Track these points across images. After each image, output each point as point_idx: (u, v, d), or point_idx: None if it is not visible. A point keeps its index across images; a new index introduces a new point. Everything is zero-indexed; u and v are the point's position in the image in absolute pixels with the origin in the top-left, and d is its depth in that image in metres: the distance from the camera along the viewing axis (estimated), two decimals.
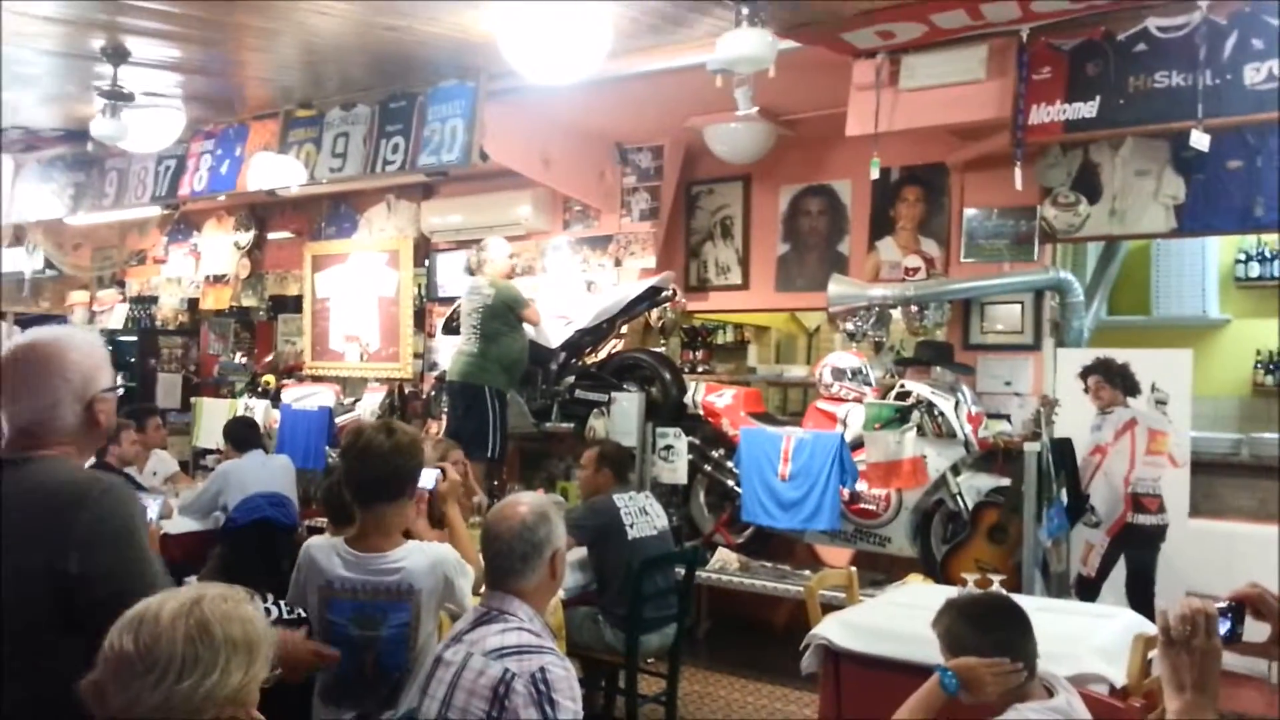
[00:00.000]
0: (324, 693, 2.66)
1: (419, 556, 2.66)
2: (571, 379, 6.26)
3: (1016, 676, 2.28)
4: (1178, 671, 1.56)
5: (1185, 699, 1.54)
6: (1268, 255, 6.30)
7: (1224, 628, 1.61)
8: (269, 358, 8.71)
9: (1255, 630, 1.71)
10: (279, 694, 2.26)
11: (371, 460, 2.66)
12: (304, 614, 2.62)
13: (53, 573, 1.74)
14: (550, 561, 2.35)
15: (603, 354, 6.56)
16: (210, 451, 7.59)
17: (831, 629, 3.40)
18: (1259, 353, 6.37)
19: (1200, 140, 4.18)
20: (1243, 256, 6.39)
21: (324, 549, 2.68)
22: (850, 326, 5.76)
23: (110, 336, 9.19)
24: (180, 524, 5.38)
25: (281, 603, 2.62)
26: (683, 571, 4.61)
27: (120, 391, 2.13)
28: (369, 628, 2.60)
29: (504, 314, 5.91)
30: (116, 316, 9.76)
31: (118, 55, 5.35)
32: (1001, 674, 2.27)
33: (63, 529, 1.76)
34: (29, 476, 1.85)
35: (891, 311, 5.66)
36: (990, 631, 2.34)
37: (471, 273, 6.20)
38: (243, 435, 5.72)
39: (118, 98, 5.62)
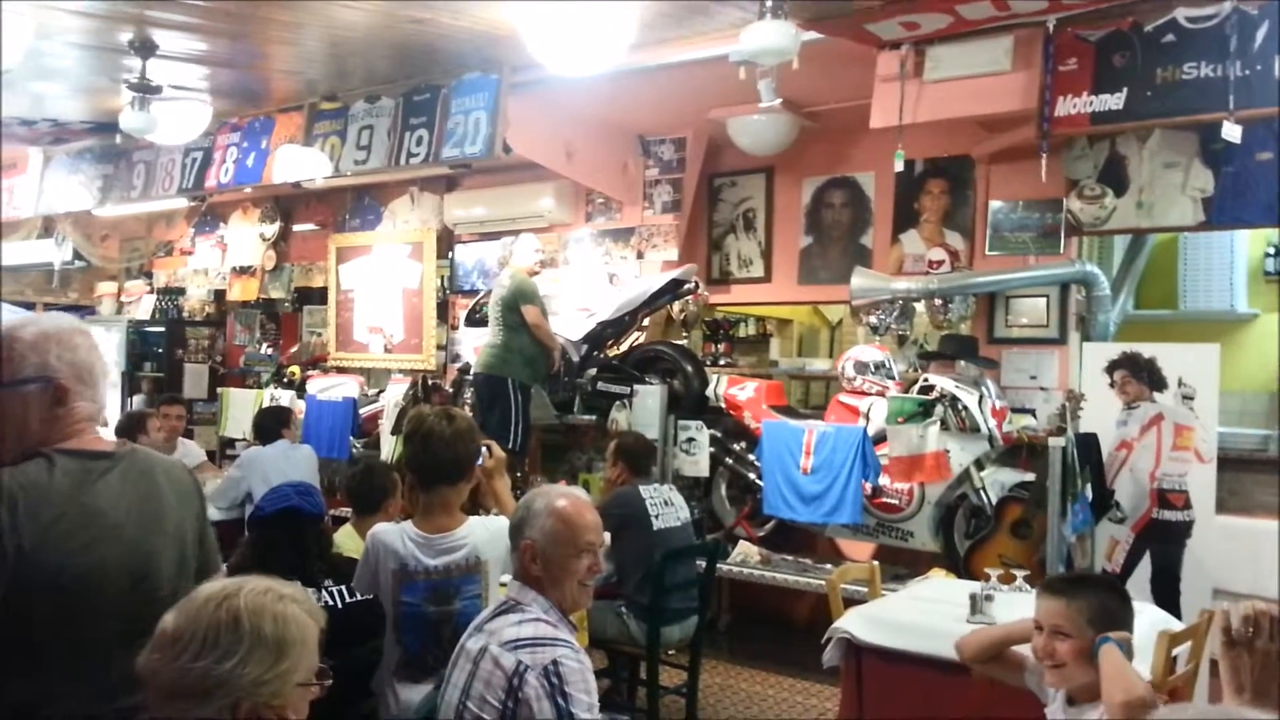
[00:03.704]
0: (401, 670, 2.75)
1: (481, 530, 2.79)
2: (594, 371, 6.27)
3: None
4: (1237, 672, 1.54)
5: (1244, 700, 1.52)
6: None
7: None
8: (294, 349, 8.79)
9: None
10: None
11: (434, 446, 2.79)
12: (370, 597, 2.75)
13: (195, 530, 2.11)
14: (521, 552, 2.30)
15: (625, 346, 6.56)
16: (237, 441, 7.71)
17: (853, 623, 3.39)
18: None
19: (1232, 132, 4.12)
20: (1271, 250, 6.28)
21: (393, 534, 2.79)
22: (873, 320, 5.74)
23: (138, 327, 9.31)
24: (210, 513, 5.46)
25: (344, 588, 2.74)
26: (704, 564, 4.62)
27: None
28: (443, 603, 2.73)
29: (517, 307, 5.94)
30: (144, 307, 9.88)
31: (145, 49, 5.40)
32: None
33: (199, 499, 2.17)
34: (150, 459, 2.08)
35: (915, 305, 5.64)
36: (1132, 612, 2.30)
37: (503, 266, 6.25)
38: (266, 425, 5.78)
39: (146, 91, 5.67)
